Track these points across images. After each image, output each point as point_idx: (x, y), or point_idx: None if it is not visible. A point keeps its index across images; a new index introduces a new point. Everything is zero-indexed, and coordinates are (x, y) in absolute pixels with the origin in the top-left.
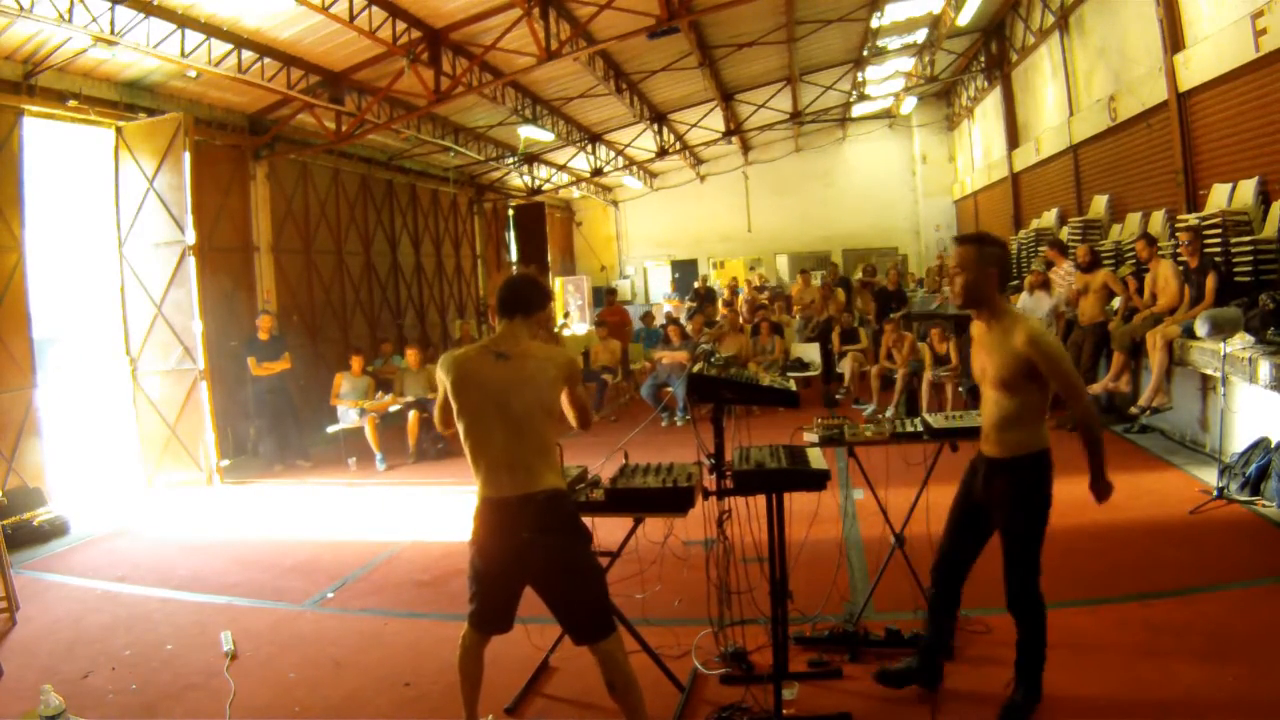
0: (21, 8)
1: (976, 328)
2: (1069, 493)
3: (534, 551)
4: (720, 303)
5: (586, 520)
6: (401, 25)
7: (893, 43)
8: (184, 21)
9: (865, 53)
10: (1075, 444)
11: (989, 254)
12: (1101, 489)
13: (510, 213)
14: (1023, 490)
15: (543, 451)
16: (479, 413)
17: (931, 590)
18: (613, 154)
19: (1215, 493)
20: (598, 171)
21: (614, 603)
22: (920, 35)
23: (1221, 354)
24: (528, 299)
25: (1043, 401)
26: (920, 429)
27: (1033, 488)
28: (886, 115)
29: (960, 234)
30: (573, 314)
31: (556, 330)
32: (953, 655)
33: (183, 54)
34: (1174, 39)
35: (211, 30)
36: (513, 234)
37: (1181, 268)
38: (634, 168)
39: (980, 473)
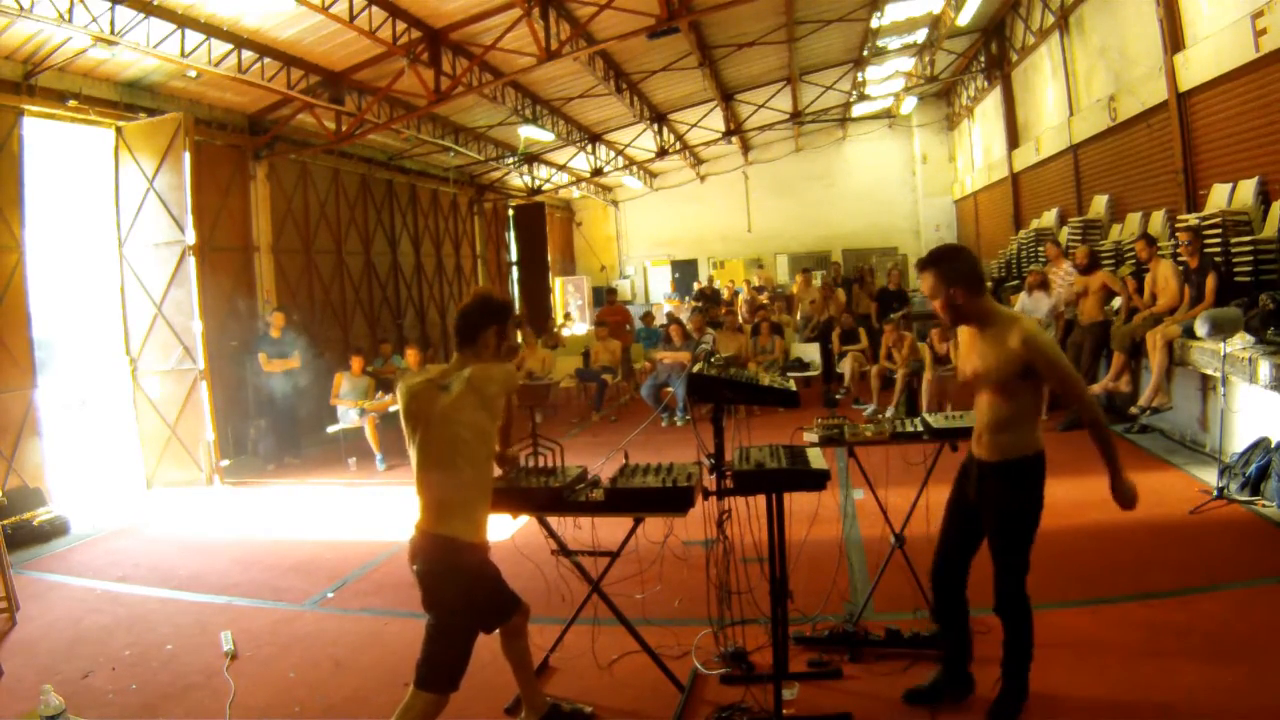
0: (21, 8)
1: (965, 332)
2: (1069, 493)
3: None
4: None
5: (585, 521)
6: (401, 25)
7: (893, 43)
8: (184, 21)
9: (865, 53)
10: (1072, 446)
11: (952, 271)
12: (1123, 492)
13: (510, 213)
14: (1014, 493)
15: (457, 489)
16: (419, 444)
17: (934, 598)
18: (613, 154)
19: (1215, 493)
20: (598, 171)
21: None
22: (920, 35)
23: (1221, 354)
24: (470, 327)
25: (1037, 404)
26: (920, 429)
27: (1025, 491)
28: (886, 115)
29: (919, 259)
30: (573, 314)
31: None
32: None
33: (183, 54)
34: (1174, 39)
35: (211, 30)
36: (513, 234)
37: (1181, 268)
38: (634, 168)
39: (972, 475)
